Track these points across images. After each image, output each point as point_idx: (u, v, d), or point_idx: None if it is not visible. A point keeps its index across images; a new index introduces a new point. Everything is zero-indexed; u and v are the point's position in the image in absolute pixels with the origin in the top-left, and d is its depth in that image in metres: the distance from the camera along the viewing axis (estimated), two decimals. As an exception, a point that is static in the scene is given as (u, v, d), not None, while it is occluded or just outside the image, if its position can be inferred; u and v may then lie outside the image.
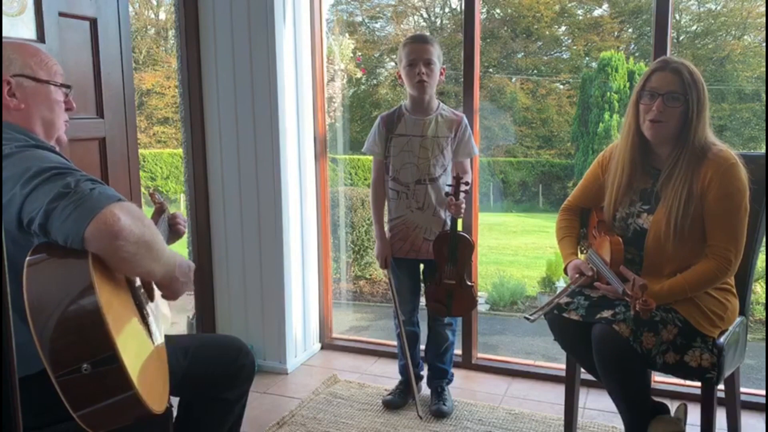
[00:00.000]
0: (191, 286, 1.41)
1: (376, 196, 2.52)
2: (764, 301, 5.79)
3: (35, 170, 1.17)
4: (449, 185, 2.32)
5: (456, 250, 2.34)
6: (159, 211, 1.68)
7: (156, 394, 1.17)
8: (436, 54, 2.36)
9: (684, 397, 2.47)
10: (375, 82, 15.01)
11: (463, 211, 2.34)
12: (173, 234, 1.74)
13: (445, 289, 2.38)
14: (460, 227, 2.38)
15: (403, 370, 2.61)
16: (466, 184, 2.31)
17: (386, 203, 2.52)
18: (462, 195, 2.30)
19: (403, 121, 2.45)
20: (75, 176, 1.18)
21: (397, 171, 2.44)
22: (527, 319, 1.81)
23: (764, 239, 1.97)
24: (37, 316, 1.05)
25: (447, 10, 16.06)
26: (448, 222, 2.38)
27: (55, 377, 1.03)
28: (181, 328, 3.18)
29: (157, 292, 1.41)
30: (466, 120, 2.47)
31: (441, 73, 2.42)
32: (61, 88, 1.44)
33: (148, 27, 16.65)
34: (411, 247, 2.46)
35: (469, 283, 2.39)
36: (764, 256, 4.72)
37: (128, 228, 1.13)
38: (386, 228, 2.52)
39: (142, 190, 2.68)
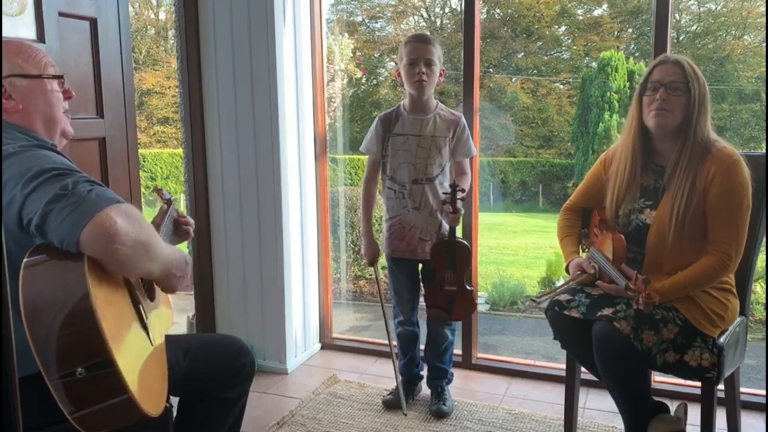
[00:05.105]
0: (190, 281, 1.41)
1: (367, 194, 2.53)
2: (764, 301, 5.79)
3: (36, 171, 1.17)
4: (445, 193, 2.32)
5: (455, 258, 2.35)
6: (163, 212, 1.60)
7: (153, 397, 1.17)
8: (437, 55, 2.36)
9: (684, 397, 2.46)
10: (375, 82, 15.02)
11: (460, 218, 2.35)
12: (179, 235, 1.65)
13: (445, 295, 2.39)
14: (460, 233, 2.38)
15: (404, 370, 2.61)
16: (462, 191, 2.31)
17: (385, 202, 2.52)
18: (459, 203, 2.30)
19: (401, 120, 2.45)
20: (74, 177, 1.17)
21: (395, 170, 2.44)
22: (533, 300, 1.86)
23: (764, 239, 1.97)
24: (33, 319, 1.05)
25: (447, 10, 16.07)
26: (445, 226, 2.38)
27: (49, 380, 1.03)
28: (181, 328, 3.18)
29: (158, 290, 1.41)
30: (464, 120, 2.47)
31: (440, 75, 2.42)
32: (54, 79, 1.41)
33: (148, 27, 16.64)
34: (407, 247, 2.46)
35: (469, 288, 2.40)
36: (764, 256, 4.72)
37: (124, 231, 1.12)
38: (384, 227, 2.52)
39: (142, 190, 2.68)
